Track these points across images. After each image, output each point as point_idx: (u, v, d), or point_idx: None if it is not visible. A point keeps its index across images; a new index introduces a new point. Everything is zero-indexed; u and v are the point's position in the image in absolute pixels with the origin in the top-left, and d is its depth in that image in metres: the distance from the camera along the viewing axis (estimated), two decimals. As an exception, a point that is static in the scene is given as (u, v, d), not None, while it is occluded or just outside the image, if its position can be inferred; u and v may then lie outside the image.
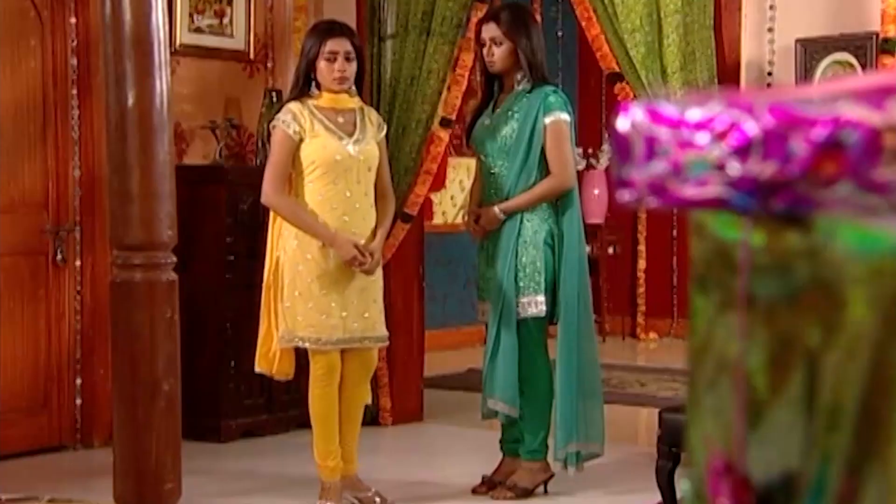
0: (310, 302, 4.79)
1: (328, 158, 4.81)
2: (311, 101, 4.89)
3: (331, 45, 4.85)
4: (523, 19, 5.14)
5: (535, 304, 5.01)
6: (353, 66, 4.90)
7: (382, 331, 4.97)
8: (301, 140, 4.82)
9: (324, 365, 4.86)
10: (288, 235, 4.83)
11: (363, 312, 4.86)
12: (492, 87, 5.21)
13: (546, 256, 5.01)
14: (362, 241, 4.81)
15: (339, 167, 4.82)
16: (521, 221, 5.01)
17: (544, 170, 5.06)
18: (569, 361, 5.08)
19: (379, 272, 4.95)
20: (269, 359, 4.93)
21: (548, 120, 5.03)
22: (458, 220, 9.17)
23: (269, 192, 4.84)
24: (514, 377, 5.00)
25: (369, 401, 5.15)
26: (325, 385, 4.87)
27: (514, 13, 5.16)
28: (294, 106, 4.89)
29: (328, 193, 4.82)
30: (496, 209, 5.03)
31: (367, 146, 4.89)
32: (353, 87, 4.95)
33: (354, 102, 4.97)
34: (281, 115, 4.90)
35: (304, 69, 4.94)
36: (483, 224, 5.08)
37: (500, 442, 5.24)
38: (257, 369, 5.00)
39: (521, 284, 4.99)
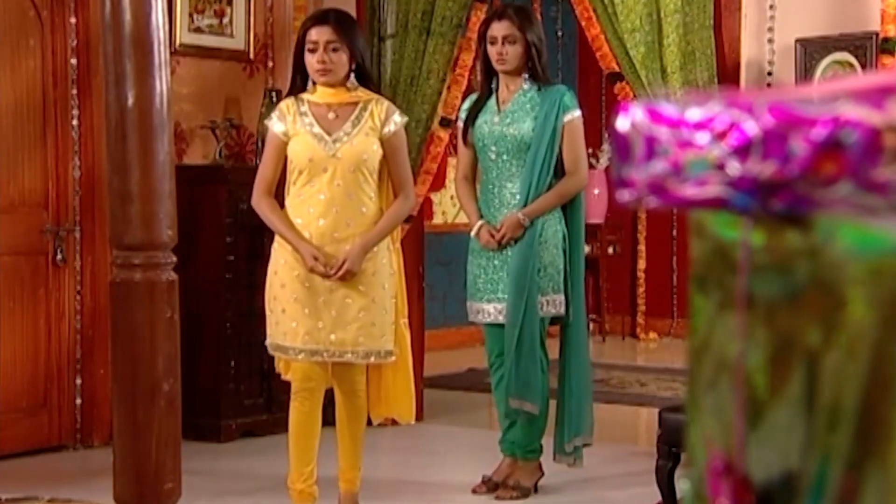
0: (283, 309, 4.53)
1: (302, 158, 4.51)
2: (305, 97, 4.61)
3: (312, 34, 4.52)
4: (532, 19, 5.15)
5: (554, 304, 5.03)
6: (340, 57, 4.51)
7: (372, 346, 4.53)
8: (289, 139, 4.57)
9: (298, 378, 4.59)
10: (276, 238, 4.64)
11: (345, 324, 4.49)
12: (490, 86, 5.17)
13: (562, 256, 5.03)
14: (346, 247, 4.46)
15: (315, 167, 4.50)
16: (542, 221, 5.00)
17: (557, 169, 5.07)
18: (579, 360, 5.13)
19: (376, 283, 4.55)
20: (286, 362, 4.68)
21: (566, 118, 5.03)
22: (459, 219, 9.17)
23: (253, 193, 4.63)
24: (538, 376, 5.01)
25: (405, 415, 4.81)
26: (299, 400, 4.60)
27: (524, 12, 5.17)
28: (284, 103, 4.65)
29: (305, 195, 4.52)
30: (520, 216, 4.97)
31: (353, 144, 4.51)
32: (354, 81, 4.58)
33: (356, 96, 4.59)
34: (272, 114, 4.69)
35: (294, 63, 4.71)
36: (506, 234, 4.97)
37: (501, 442, 5.24)
38: (281, 374, 4.76)
39: (542, 284, 4.99)
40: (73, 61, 5.96)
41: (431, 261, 7.45)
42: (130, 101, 3.61)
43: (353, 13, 6.46)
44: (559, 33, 10.33)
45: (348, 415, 4.65)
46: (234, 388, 6.09)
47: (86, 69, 5.95)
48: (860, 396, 0.87)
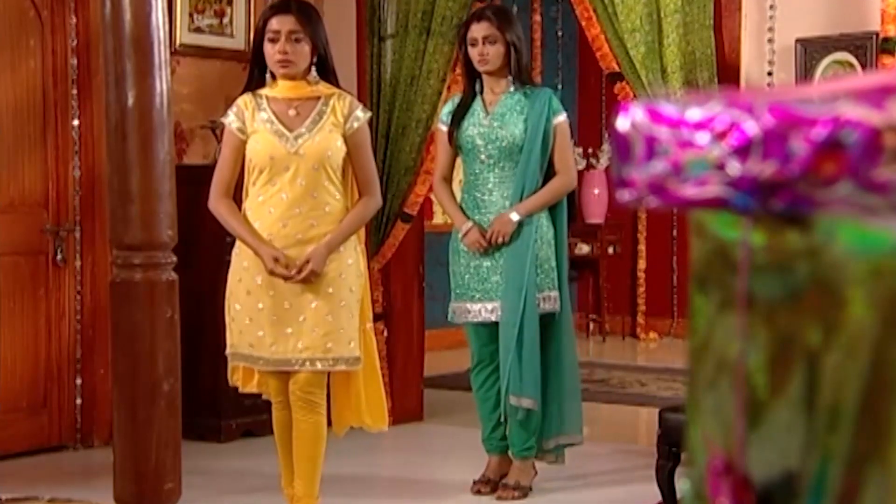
0: (248, 318, 4.32)
1: (262, 157, 4.30)
2: (264, 92, 4.40)
3: (273, 23, 4.30)
4: (513, 20, 5.16)
5: (550, 300, 5.04)
6: (303, 49, 4.30)
7: (341, 352, 4.30)
8: (247, 137, 4.36)
9: (272, 392, 4.44)
10: (237, 244, 4.44)
11: (313, 329, 4.27)
12: (474, 87, 5.18)
13: (554, 253, 5.05)
14: (309, 249, 4.25)
15: (276, 166, 4.28)
16: (536, 220, 5.01)
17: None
18: (568, 357, 5.15)
19: (343, 285, 4.33)
20: (241, 373, 4.53)
21: (556, 121, 5.07)
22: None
23: (210, 196, 4.43)
24: (537, 373, 5.01)
25: (378, 422, 4.59)
26: (278, 409, 4.46)
27: (503, 12, 5.18)
28: (242, 99, 4.42)
29: (266, 196, 4.31)
30: (511, 214, 4.98)
31: (316, 141, 4.31)
32: (315, 75, 4.38)
33: (317, 91, 4.38)
34: (229, 111, 4.44)
35: (252, 54, 4.48)
36: (498, 231, 4.96)
37: (486, 441, 5.23)
38: (231, 384, 4.60)
39: (539, 281, 5.00)
40: (74, 61, 5.96)
41: (431, 261, 7.44)
42: (130, 101, 3.62)
43: (354, 13, 6.47)
44: (559, 33, 10.33)
45: (305, 431, 4.34)
46: (234, 388, 6.08)
47: (86, 69, 5.95)
48: (860, 396, 0.87)
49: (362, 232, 4.57)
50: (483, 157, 5.08)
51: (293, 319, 4.28)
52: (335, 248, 4.31)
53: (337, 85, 4.46)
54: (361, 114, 4.42)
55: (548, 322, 5.10)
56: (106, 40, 3.66)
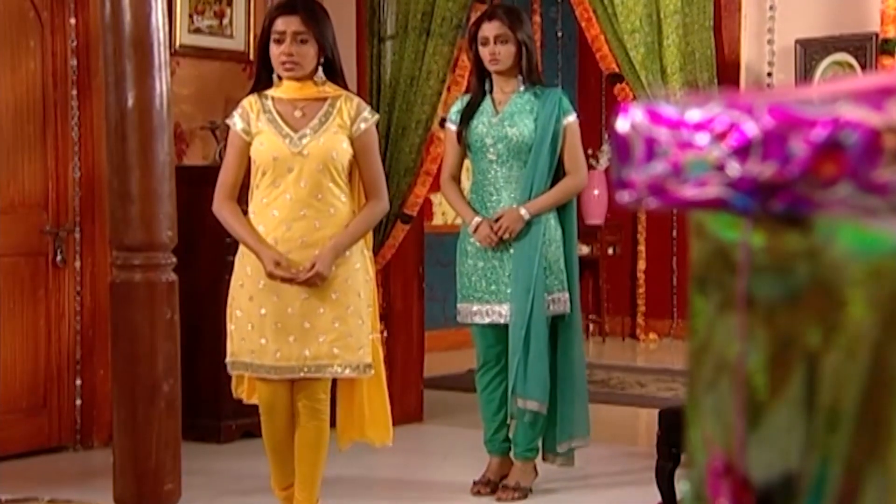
0: (250, 324, 4.22)
1: (266, 157, 4.21)
2: (270, 93, 4.30)
3: (278, 24, 4.20)
4: (524, 19, 5.16)
5: (560, 302, 5.04)
6: (308, 50, 4.20)
7: (350, 358, 4.22)
8: (252, 138, 4.28)
9: (264, 397, 4.30)
10: (240, 248, 4.35)
11: (318, 336, 4.18)
12: (483, 87, 5.18)
13: (563, 254, 5.05)
14: (314, 252, 4.16)
15: (280, 167, 4.19)
16: (545, 220, 5.01)
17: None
18: (577, 359, 5.14)
19: (350, 290, 4.24)
20: (246, 384, 4.44)
21: (566, 121, 5.07)
22: (459, 220, 9.15)
23: (214, 199, 4.34)
24: (546, 375, 5.00)
25: (382, 437, 4.49)
26: (267, 420, 4.33)
27: (514, 12, 5.18)
28: (247, 100, 4.33)
29: (269, 198, 4.22)
30: (521, 211, 4.99)
31: (321, 142, 4.21)
32: (321, 75, 4.28)
33: (323, 92, 4.29)
34: (234, 112, 4.36)
35: (258, 55, 4.39)
36: (506, 226, 4.96)
37: (489, 442, 5.23)
38: (235, 396, 4.50)
39: (549, 283, 5.00)
40: (73, 62, 5.96)
41: (431, 261, 7.44)
42: (130, 102, 3.62)
43: (354, 13, 6.47)
44: (559, 34, 10.33)
45: (308, 436, 4.27)
46: (234, 389, 6.08)
47: (86, 70, 5.96)
48: (860, 397, 0.87)
49: (369, 237, 4.49)
50: (491, 155, 5.08)
51: (297, 326, 4.19)
52: (342, 251, 4.21)
53: (345, 86, 4.38)
54: (369, 115, 4.34)
55: (558, 323, 5.10)
56: (106, 41, 3.66)
